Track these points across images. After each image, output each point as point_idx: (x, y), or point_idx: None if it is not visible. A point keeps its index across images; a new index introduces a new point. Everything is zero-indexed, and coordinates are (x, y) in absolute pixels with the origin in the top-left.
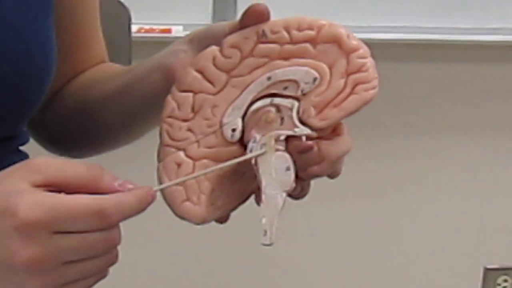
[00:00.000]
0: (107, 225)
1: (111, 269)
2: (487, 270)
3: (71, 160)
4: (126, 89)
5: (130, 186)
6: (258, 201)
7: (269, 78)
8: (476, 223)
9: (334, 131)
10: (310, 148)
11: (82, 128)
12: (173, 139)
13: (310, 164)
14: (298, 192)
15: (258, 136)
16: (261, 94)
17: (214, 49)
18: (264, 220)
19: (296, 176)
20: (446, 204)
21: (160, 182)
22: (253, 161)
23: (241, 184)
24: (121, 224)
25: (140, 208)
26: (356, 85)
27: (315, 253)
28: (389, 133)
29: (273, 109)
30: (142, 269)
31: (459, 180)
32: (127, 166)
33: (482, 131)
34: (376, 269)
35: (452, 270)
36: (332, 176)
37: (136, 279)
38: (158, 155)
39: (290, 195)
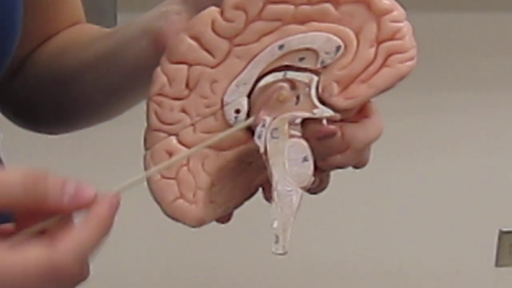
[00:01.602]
0: (67, 279)
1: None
2: (502, 233)
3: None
4: (106, 57)
5: (83, 194)
6: (268, 196)
7: (281, 47)
8: (491, 185)
9: (361, 112)
10: (333, 133)
11: (55, 100)
12: (163, 122)
13: (332, 152)
14: (315, 185)
15: (268, 119)
16: (272, 67)
17: (213, 10)
18: (275, 224)
19: (315, 168)
20: (460, 165)
21: (148, 176)
22: (261, 150)
23: (246, 177)
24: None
25: (105, 232)
26: (389, 55)
27: (326, 214)
28: (401, 88)
29: (286, 85)
30: (138, 268)
31: (473, 140)
32: (109, 151)
33: (504, 85)
34: (387, 232)
35: (467, 233)
36: (358, 166)
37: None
38: (145, 142)
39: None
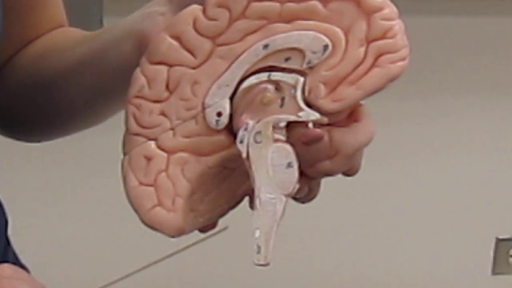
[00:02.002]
0: None
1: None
2: (499, 241)
3: None
4: (90, 60)
5: None
6: (252, 206)
7: (265, 46)
8: (488, 191)
9: (351, 115)
10: (319, 137)
11: (36, 107)
12: (141, 126)
13: (319, 158)
14: (304, 194)
15: (251, 122)
16: (256, 68)
17: (195, 8)
18: (257, 233)
19: (301, 174)
20: (457, 171)
21: (125, 180)
22: (244, 155)
23: (230, 184)
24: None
25: None
26: (379, 55)
27: (323, 221)
28: (397, 93)
29: (271, 87)
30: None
31: (470, 146)
32: (93, 158)
33: (503, 89)
34: (383, 238)
35: (463, 240)
36: (348, 173)
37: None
38: (124, 146)
39: (294, 197)
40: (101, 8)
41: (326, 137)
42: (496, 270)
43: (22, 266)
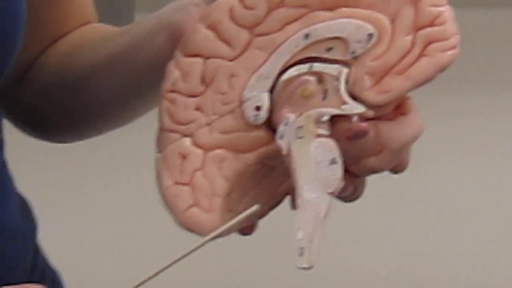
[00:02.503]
0: None
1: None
2: None
3: None
4: (121, 56)
5: None
6: (294, 205)
7: (306, 36)
8: None
9: (397, 109)
10: (365, 132)
11: (66, 106)
12: (176, 122)
13: (365, 154)
14: (349, 192)
15: (291, 117)
16: (296, 59)
17: None
18: (300, 234)
19: (346, 171)
20: (501, 169)
21: (159, 179)
22: (284, 151)
23: (270, 182)
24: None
25: None
26: (428, 43)
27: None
28: (433, 89)
29: (312, 79)
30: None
31: (503, 145)
32: (125, 156)
33: None
34: (426, 236)
35: (501, 241)
36: (396, 170)
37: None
38: (158, 143)
39: (339, 196)
40: (132, 6)
41: (371, 132)
42: None
43: (53, 270)
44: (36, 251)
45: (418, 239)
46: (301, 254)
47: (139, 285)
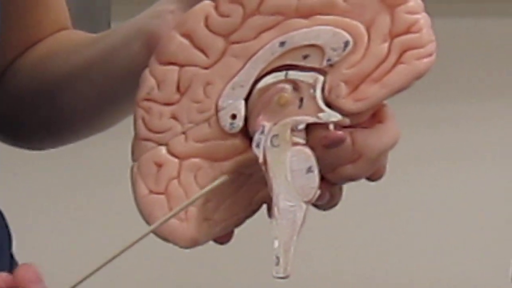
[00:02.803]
0: None
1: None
2: None
3: None
4: (96, 63)
5: None
6: (270, 214)
7: (282, 44)
8: (508, 196)
9: (374, 117)
10: (341, 140)
11: (41, 113)
12: (151, 130)
13: (341, 162)
14: (326, 200)
15: (267, 125)
16: (272, 67)
17: (207, 4)
18: (276, 243)
19: (322, 179)
20: (476, 174)
21: (134, 188)
22: (260, 159)
23: (247, 191)
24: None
25: None
26: (404, 51)
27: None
28: (407, 98)
29: (288, 87)
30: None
31: (490, 149)
32: (100, 166)
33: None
34: (396, 246)
35: (481, 248)
36: (373, 178)
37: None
38: (133, 152)
39: (315, 204)
40: (108, 13)
41: (348, 140)
42: None
43: None
44: (11, 262)
45: (405, 246)
46: (277, 264)
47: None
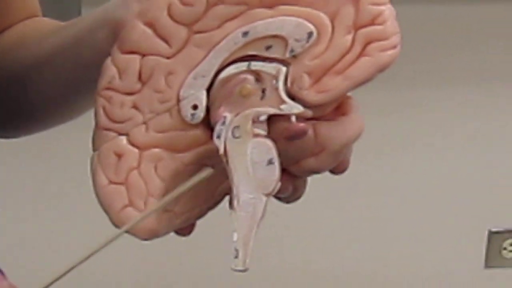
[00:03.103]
0: None
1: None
2: (491, 233)
3: None
4: (64, 50)
5: None
6: (231, 206)
7: (245, 34)
8: (480, 184)
9: (337, 109)
10: (303, 132)
11: (9, 100)
12: (112, 120)
13: (304, 155)
14: (289, 193)
15: (229, 116)
16: (235, 57)
17: None
18: (235, 236)
19: (285, 172)
20: (448, 163)
21: (94, 178)
22: (221, 151)
23: (209, 182)
24: None
25: None
26: (368, 43)
27: (315, 218)
28: (385, 84)
29: (250, 77)
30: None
31: (461, 138)
32: (67, 156)
33: (488, 79)
34: (373, 233)
35: (455, 233)
36: (336, 171)
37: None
38: (93, 142)
39: (278, 197)
40: (79, 0)
41: (310, 132)
42: (489, 263)
43: None
44: None
45: (362, 237)
46: (236, 256)
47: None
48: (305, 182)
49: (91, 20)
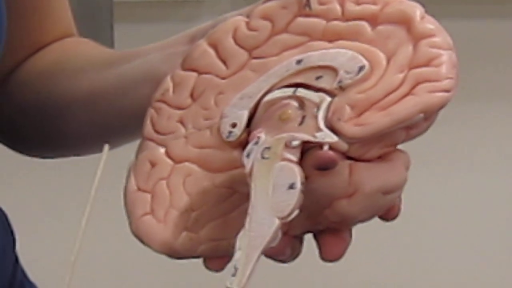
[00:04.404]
0: None
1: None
2: None
3: None
4: (104, 96)
5: None
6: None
7: (299, 62)
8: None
9: (382, 157)
10: (332, 161)
11: (43, 127)
12: (156, 131)
13: (336, 194)
14: (287, 256)
15: (263, 137)
16: (284, 83)
17: (239, 18)
18: (238, 254)
19: (285, 234)
20: (484, 177)
21: (126, 183)
22: (247, 170)
23: (241, 213)
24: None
25: None
26: (418, 83)
27: None
28: None
29: (294, 103)
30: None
31: (497, 152)
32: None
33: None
34: (401, 251)
35: (490, 249)
36: (385, 217)
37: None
38: (137, 150)
39: (278, 259)
40: (111, 14)
41: (345, 169)
42: None
43: (31, 283)
44: (15, 263)
45: (397, 250)
46: (233, 274)
47: None
48: (301, 243)
49: (134, 71)
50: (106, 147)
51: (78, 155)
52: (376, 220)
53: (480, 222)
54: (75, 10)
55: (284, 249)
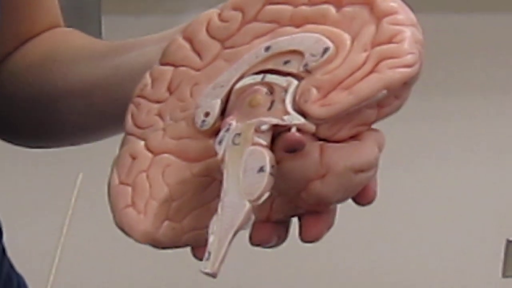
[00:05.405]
0: None
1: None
2: (510, 243)
3: None
4: (100, 88)
5: None
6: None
7: (267, 48)
8: (498, 193)
9: (354, 137)
10: (299, 143)
11: (36, 119)
12: (136, 125)
13: (309, 176)
14: (273, 243)
15: (234, 123)
16: (254, 70)
17: (213, 11)
18: (212, 238)
19: (271, 221)
20: (466, 172)
21: (109, 178)
22: (219, 156)
23: None
24: None
25: None
26: (380, 60)
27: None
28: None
29: (263, 89)
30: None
31: (479, 147)
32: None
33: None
34: (389, 242)
35: (473, 242)
36: (359, 200)
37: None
38: (120, 146)
39: (261, 246)
40: (99, 6)
41: (315, 151)
42: (507, 272)
43: (18, 275)
44: (1, 255)
45: (376, 244)
46: (207, 259)
47: None
48: (287, 230)
49: (132, 62)
50: (81, 175)
51: (73, 144)
52: (372, 217)
53: (470, 216)
54: (63, 2)
55: (269, 236)
